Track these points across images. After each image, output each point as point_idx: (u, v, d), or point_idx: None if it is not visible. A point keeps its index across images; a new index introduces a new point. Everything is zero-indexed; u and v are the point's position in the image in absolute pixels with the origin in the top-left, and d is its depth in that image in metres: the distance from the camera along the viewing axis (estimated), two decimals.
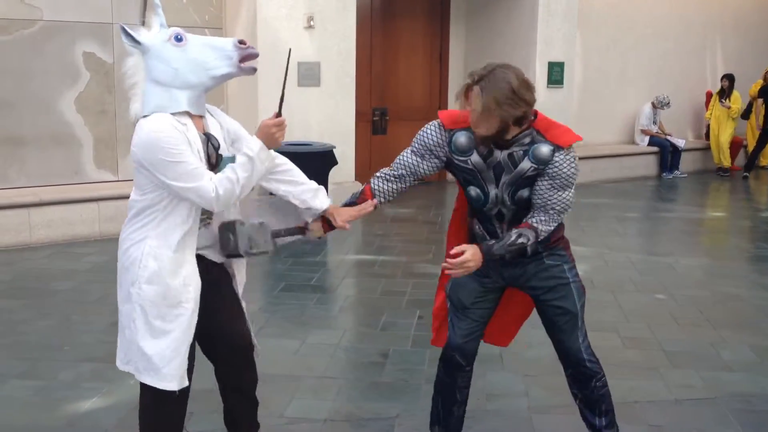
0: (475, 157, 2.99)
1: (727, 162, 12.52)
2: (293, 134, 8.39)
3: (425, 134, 3.07)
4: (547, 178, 2.90)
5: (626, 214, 9.31)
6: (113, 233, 7.38)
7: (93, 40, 7.74)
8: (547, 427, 3.67)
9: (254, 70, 2.82)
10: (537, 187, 2.93)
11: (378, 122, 10.70)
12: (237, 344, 3.02)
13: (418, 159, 3.11)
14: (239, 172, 2.70)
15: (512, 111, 2.79)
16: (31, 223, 7.13)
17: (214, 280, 2.94)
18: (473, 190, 3.05)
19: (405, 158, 3.16)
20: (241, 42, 2.73)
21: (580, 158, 11.12)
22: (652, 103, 12.24)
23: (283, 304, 5.64)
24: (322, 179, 8.09)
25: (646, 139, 12.31)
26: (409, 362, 4.58)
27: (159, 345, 2.76)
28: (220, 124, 2.93)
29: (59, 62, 7.63)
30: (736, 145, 13.13)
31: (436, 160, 3.08)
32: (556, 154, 2.88)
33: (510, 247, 2.92)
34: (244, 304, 3.10)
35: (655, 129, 12.37)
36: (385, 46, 10.68)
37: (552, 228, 2.99)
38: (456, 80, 11.40)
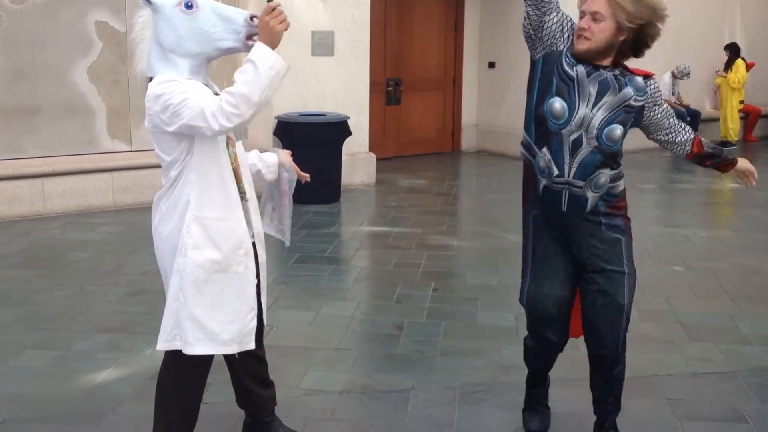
0: (581, 68, 2.90)
1: (731, 136, 12.29)
2: (308, 105, 8.34)
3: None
4: (655, 105, 3.00)
5: (642, 186, 9.22)
6: (127, 204, 7.39)
7: (105, 9, 7.66)
8: (564, 398, 3.64)
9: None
10: (655, 116, 3.02)
11: (392, 92, 10.61)
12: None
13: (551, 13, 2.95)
14: (238, 77, 2.53)
15: (638, 16, 2.83)
16: (45, 193, 7.13)
17: None
18: (558, 103, 2.90)
19: None
20: (252, 17, 2.63)
21: None
22: (672, 73, 12.07)
23: (298, 276, 5.63)
24: (336, 149, 8.08)
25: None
26: (424, 334, 4.56)
27: (214, 312, 2.70)
28: None
29: (71, 31, 7.57)
30: (753, 115, 12.97)
31: (548, 35, 2.97)
32: (649, 82, 2.98)
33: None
34: (264, 298, 2.99)
35: (674, 99, 12.21)
36: (400, 15, 10.56)
37: (684, 126, 3.13)
38: (471, 50, 11.28)
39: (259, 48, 2.53)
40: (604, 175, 2.97)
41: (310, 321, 4.75)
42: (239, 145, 2.86)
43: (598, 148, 2.91)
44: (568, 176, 2.95)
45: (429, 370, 4.05)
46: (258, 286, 2.89)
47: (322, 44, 8.42)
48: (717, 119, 12.65)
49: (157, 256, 2.83)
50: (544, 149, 2.97)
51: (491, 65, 11.19)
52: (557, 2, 2.97)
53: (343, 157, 8.30)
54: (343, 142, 8.17)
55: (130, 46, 2.76)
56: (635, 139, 11.78)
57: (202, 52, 2.66)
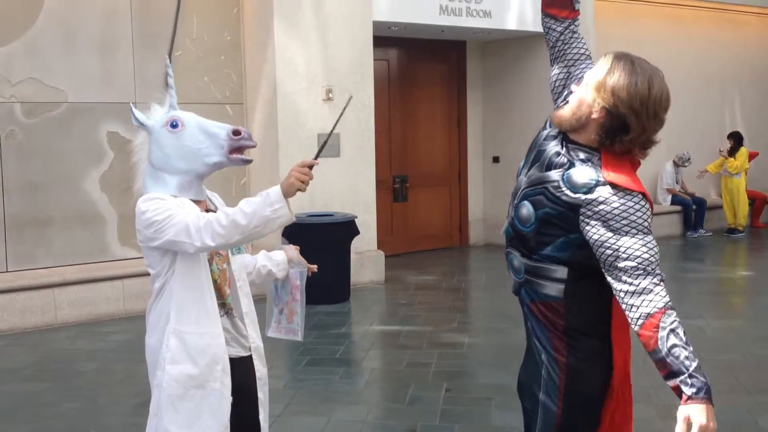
0: (547, 131, 2.58)
1: (739, 222, 12.31)
2: (315, 205, 8.45)
3: None
4: (591, 220, 2.34)
5: None
6: (137, 311, 7.40)
7: (117, 119, 7.89)
8: None
9: (245, 162, 2.75)
10: (588, 235, 2.35)
11: (398, 189, 10.75)
12: None
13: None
14: (242, 205, 2.55)
15: (623, 111, 2.33)
16: (56, 303, 7.17)
17: (236, 385, 2.79)
18: (522, 161, 2.65)
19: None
20: (235, 132, 2.65)
21: None
22: (674, 161, 12.21)
23: (309, 379, 5.59)
24: (344, 249, 8.14)
25: (669, 197, 12.25)
26: None
27: (188, 430, 2.68)
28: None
29: (84, 142, 7.77)
30: (760, 201, 13.03)
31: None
32: (601, 188, 2.34)
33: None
34: (262, 416, 2.92)
35: (677, 187, 12.31)
36: (404, 113, 10.79)
37: (630, 300, 2.27)
38: (475, 146, 11.48)
39: (275, 191, 2.55)
40: (517, 259, 2.58)
41: (322, 427, 4.69)
42: (236, 259, 2.87)
43: (512, 221, 2.58)
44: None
45: None
46: (256, 402, 2.86)
47: (329, 146, 8.53)
48: (721, 206, 12.69)
49: (147, 364, 2.85)
50: None
51: (495, 160, 11.35)
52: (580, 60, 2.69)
53: (352, 256, 8.35)
54: (351, 241, 8.24)
55: (132, 166, 2.84)
56: None
57: (191, 169, 2.70)
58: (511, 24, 9.97)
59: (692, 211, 12.19)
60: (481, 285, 8.98)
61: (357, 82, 8.68)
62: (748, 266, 10.44)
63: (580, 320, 2.48)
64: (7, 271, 7.40)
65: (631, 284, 2.27)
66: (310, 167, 2.60)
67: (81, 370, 5.89)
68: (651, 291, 2.25)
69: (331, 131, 2.79)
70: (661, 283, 2.28)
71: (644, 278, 2.26)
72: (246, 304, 2.88)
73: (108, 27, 7.88)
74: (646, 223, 2.31)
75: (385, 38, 9.75)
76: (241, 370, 2.83)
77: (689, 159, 12.15)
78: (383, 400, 5.29)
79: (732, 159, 12.20)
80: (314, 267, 3.23)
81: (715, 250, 11.20)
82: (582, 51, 2.71)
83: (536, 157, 2.55)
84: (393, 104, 10.63)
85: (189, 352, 2.67)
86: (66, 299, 7.22)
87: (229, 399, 2.74)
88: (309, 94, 8.37)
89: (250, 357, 2.87)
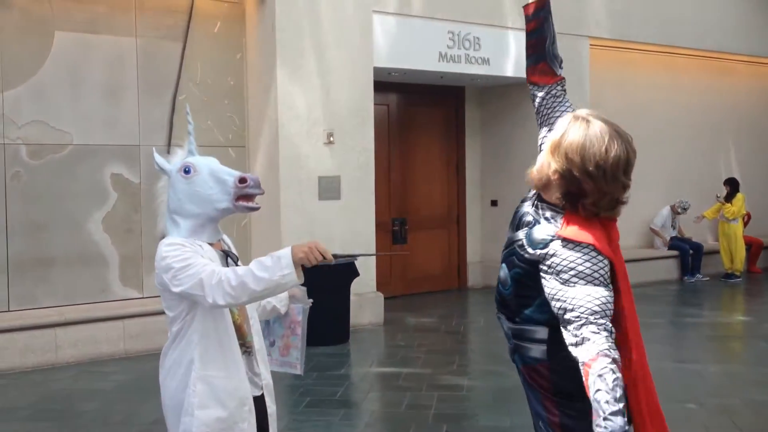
0: (527, 193, 2.66)
1: (736, 267, 12.37)
2: None
3: None
4: (546, 275, 2.38)
5: (650, 320, 9.22)
6: (138, 350, 7.43)
7: (121, 161, 8.00)
8: None
9: (250, 209, 2.80)
10: (545, 289, 2.38)
11: (398, 232, 10.83)
12: None
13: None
14: (253, 266, 2.59)
15: (600, 184, 2.32)
16: (57, 343, 7.19)
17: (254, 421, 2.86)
18: None
19: None
20: (241, 180, 2.74)
21: None
22: (672, 208, 12.31)
23: (309, 421, 5.60)
24: (344, 290, 8.19)
25: (662, 242, 12.29)
26: None
27: None
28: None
29: (88, 184, 7.87)
30: (756, 246, 13.11)
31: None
32: (554, 242, 2.38)
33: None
34: None
35: (674, 233, 12.40)
36: (403, 157, 10.93)
37: (575, 351, 2.26)
38: (473, 189, 11.60)
39: (287, 258, 2.56)
40: (505, 323, 2.63)
41: None
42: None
43: (497, 285, 2.61)
44: None
45: None
46: None
47: (330, 188, 8.69)
48: (718, 251, 12.76)
49: (164, 409, 2.86)
50: None
51: (494, 203, 11.46)
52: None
53: (351, 298, 8.40)
54: (350, 282, 8.29)
55: (144, 203, 2.93)
56: (639, 272, 11.92)
57: (202, 213, 2.78)
58: (509, 71, 10.15)
59: (689, 255, 12.26)
60: (480, 327, 9.01)
61: (357, 126, 8.81)
62: (746, 311, 10.48)
63: (566, 381, 2.47)
64: (9, 311, 7.44)
65: (575, 336, 2.27)
66: (324, 257, 2.58)
67: (82, 410, 5.90)
68: (589, 340, 2.23)
69: (355, 256, 2.77)
70: (603, 332, 2.24)
71: (586, 327, 2.25)
72: (257, 341, 2.93)
73: (114, 72, 8.03)
74: (595, 274, 2.31)
75: (386, 83, 9.91)
76: (257, 409, 2.88)
77: (688, 208, 12.25)
78: None
79: (729, 204, 12.30)
80: (309, 301, 3.27)
81: (713, 295, 11.25)
82: (565, 112, 2.70)
83: (512, 219, 2.63)
84: (393, 148, 10.76)
85: (218, 396, 2.72)
86: (67, 339, 7.25)
87: None
88: (310, 138, 8.49)
89: (262, 395, 2.92)
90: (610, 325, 2.27)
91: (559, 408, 2.51)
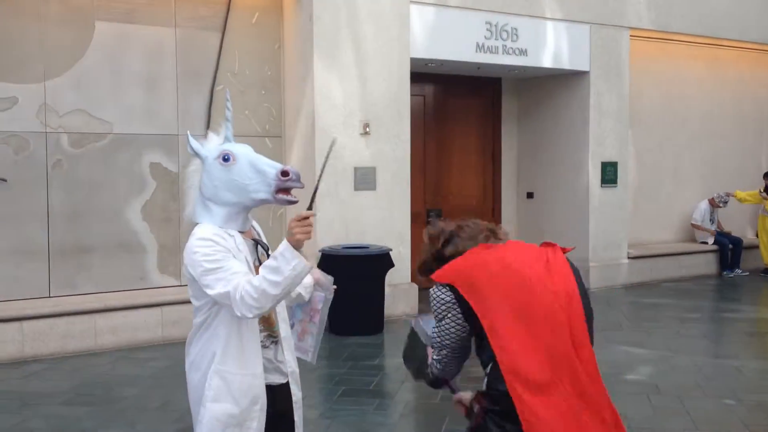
0: None
1: None
2: (350, 237, 8.54)
3: None
4: None
5: (688, 315, 9.12)
6: (176, 337, 7.52)
7: (159, 150, 8.09)
8: None
9: (290, 202, 2.79)
10: None
11: None
12: None
13: None
14: (263, 272, 2.60)
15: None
16: (96, 329, 7.31)
17: (277, 411, 2.88)
18: None
19: None
20: (284, 173, 2.73)
21: (639, 257, 11.09)
22: (711, 201, 12.14)
23: (343, 410, 5.63)
24: (379, 281, 8.20)
25: (707, 235, 12.12)
26: None
27: None
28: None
29: (127, 172, 7.97)
30: None
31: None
32: None
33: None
34: None
35: (713, 227, 12.22)
36: (439, 148, 10.89)
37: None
38: (508, 181, 11.53)
39: (289, 251, 2.56)
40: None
41: None
42: None
43: None
44: None
45: None
46: (293, 427, 2.92)
47: (365, 179, 8.70)
48: (758, 246, 12.55)
49: (189, 398, 2.90)
50: None
51: (529, 195, 11.38)
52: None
53: (386, 288, 8.41)
54: (385, 273, 8.30)
55: (182, 190, 2.94)
56: (678, 267, 11.72)
57: (238, 202, 2.77)
58: (547, 62, 10.07)
59: (729, 250, 12.07)
60: None
61: (393, 117, 8.81)
62: None
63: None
64: (49, 297, 7.57)
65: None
66: (306, 218, 2.62)
67: (120, 396, 5.99)
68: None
69: (319, 179, 2.79)
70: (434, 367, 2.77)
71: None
72: (284, 329, 2.94)
73: (153, 62, 8.11)
74: (437, 309, 2.64)
75: (422, 74, 9.88)
76: (281, 396, 2.90)
77: (727, 201, 12.07)
78: None
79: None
80: (334, 287, 3.22)
81: (752, 290, 11.07)
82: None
83: None
84: (428, 139, 10.73)
85: (232, 393, 2.74)
86: (106, 325, 7.36)
87: None
88: (346, 128, 8.51)
89: (287, 383, 2.93)
90: None
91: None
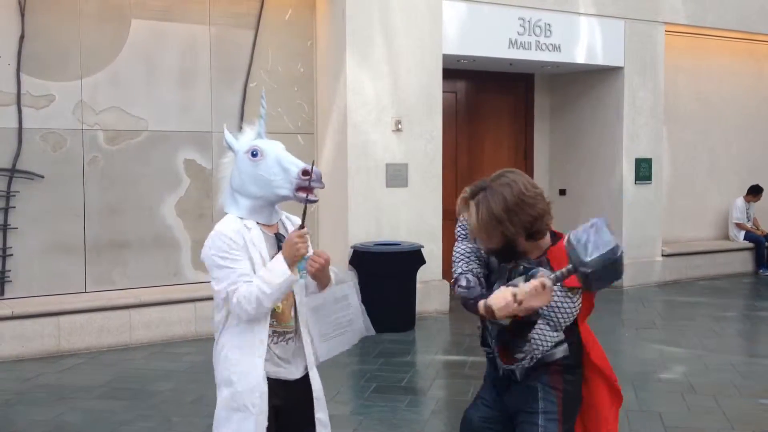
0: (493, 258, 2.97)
1: None
2: (382, 234, 8.55)
3: None
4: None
5: (723, 313, 9.01)
6: (209, 333, 7.54)
7: (194, 147, 8.16)
8: None
9: (308, 201, 2.89)
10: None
11: None
12: None
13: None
14: (258, 282, 2.77)
15: (510, 227, 2.75)
16: (131, 324, 7.40)
17: (291, 406, 2.96)
18: None
19: None
20: (305, 172, 2.83)
21: (673, 255, 10.97)
22: (746, 197, 11.97)
23: (375, 406, 5.65)
24: (410, 278, 8.21)
25: (742, 233, 11.98)
26: None
27: None
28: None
29: (162, 169, 8.06)
30: None
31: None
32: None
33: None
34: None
35: (749, 224, 12.05)
36: (471, 145, 10.86)
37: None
38: (541, 177, 11.46)
39: (278, 262, 2.79)
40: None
41: None
42: (300, 282, 2.96)
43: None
44: None
45: None
46: (313, 422, 2.98)
47: (397, 176, 8.71)
48: None
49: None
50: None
51: (562, 192, 11.31)
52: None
53: (417, 285, 8.41)
54: (417, 270, 8.31)
55: (215, 182, 3.09)
56: (713, 264, 11.57)
57: (263, 196, 2.90)
58: (580, 58, 10.00)
59: (765, 248, 11.91)
60: None
61: (425, 113, 8.80)
62: None
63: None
64: (86, 292, 7.68)
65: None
66: (302, 236, 2.81)
67: (155, 390, 6.07)
68: None
69: (305, 209, 2.90)
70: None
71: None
72: (301, 326, 3.02)
73: (187, 59, 8.18)
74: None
75: (454, 70, 9.86)
76: (296, 391, 2.97)
77: (762, 190, 11.90)
78: (450, 429, 5.30)
79: None
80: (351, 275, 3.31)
81: None
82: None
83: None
84: (460, 135, 10.70)
85: (231, 376, 2.87)
86: (141, 320, 7.46)
87: (265, 424, 2.86)
88: (378, 125, 8.52)
89: (305, 377, 3.00)
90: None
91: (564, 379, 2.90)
